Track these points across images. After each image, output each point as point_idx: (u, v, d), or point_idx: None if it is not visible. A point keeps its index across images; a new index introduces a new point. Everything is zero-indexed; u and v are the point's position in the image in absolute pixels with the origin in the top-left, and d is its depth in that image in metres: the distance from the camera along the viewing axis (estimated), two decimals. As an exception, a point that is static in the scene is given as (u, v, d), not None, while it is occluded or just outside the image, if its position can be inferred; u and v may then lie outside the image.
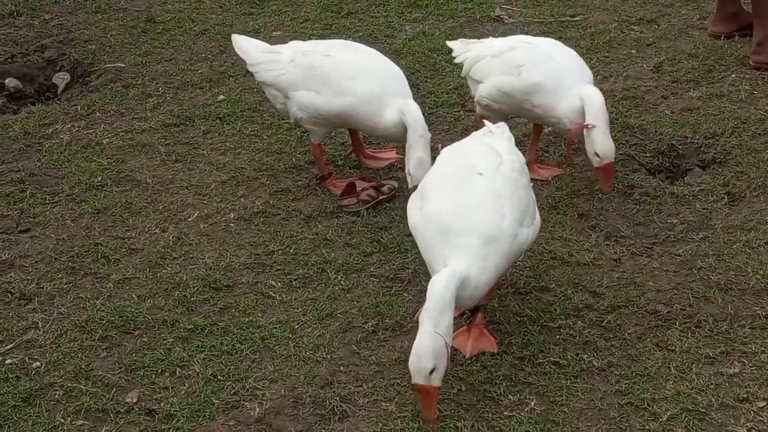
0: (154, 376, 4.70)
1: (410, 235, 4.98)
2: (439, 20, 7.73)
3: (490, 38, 6.11)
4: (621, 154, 6.08)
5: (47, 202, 5.87)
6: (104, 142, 6.39)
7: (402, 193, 5.73)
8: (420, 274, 5.21)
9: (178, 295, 5.16)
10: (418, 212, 4.66)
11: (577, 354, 4.75)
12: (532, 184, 4.96)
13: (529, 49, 5.72)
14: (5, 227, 5.68)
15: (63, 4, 8.08)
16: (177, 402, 4.56)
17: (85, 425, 4.48)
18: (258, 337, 4.89)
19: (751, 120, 6.35)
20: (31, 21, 7.87)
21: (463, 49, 6.03)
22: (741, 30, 7.24)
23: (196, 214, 5.75)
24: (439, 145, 5.38)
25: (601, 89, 6.55)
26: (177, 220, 5.72)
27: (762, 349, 4.75)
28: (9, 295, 5.20)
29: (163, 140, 6.40)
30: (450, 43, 6.20)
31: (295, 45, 5.89)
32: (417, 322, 4.85)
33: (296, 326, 4.96)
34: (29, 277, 5.31)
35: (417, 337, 4.25)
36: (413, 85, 6.58)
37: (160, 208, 5.81)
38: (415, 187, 5.22)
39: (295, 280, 5.26)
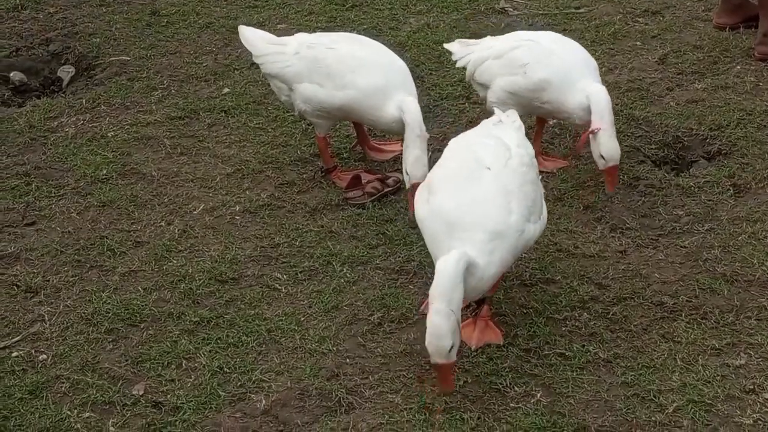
0: (160, 368, 4.71)
1: (415, 227, 4.99)
2: (443, 12, 7.72)
3: (488, 38, 6.02)
4: (626, 146, 6.07)
5: (53, 195, 5.88)
6: (109, 135, 6.39)
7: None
8: (425, 266, 5.21)
9: (183, 287, 5.17)
10: (425, 206, 4.66)
11: (583, 346, 4.75)
12: (540, 177, 4.94)
13: (532, 47, 5.68)
14: (11, 220, 5.68)
15: (67, -3, 8.10)
16: (183, 394, 4.57)
17: (91, 417, 4.49)
18: (264, 330, 4.89)
19: (757, 111, 6.35)
20: (35, 14, 7.87)
21: (463, 51, 5.96)
22: (746, 21, 7.23)
23: (201, 207, 5.75)
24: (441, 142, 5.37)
25: (606, 81, 6.58)
26: (182, 212, 5.72)
27: (768, 340, 4.76)
28: (15, 288, 5.20)
29: (168, 133, 6.40)
30: (448, 46, 6.11)
31: (300, 37, 5.89)
32: (422, 314, 4.87)
33: (302, 318, 4.96)
34: (35, 270, 5.31)
35: (431, 317, 4.22)
36: (418, 78, 6.60)
37: (166, 201, 5.81)
38: (414, 186, 5.23)
39: (300, 272, 5.26)
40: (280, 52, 5.81)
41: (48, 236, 5.56)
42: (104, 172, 6.04)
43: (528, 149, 4.86)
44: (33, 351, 4.82)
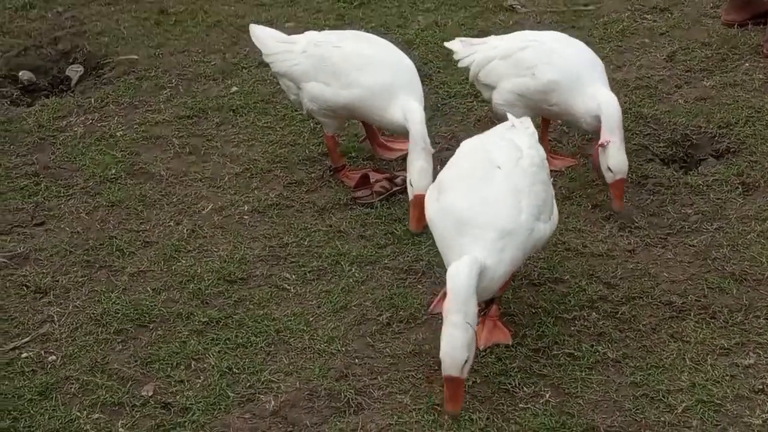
0: (169, 369, 4.72)
1: (414, 236, 5.01)
2: (451, 10, 7.71)
3: (493, 37, 5.99)
4: (635, 144, 6.07)
5: (62, 195, 5.89)
6: (118, 134, 6.40)
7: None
8: (434, 266, 5.21)
9: (192, 287, 5.18)
10: (435, 204, 4.66)
11: (592, 345, 4.75)
12: (552, 179, 4.93)
13: (540, 47, 5.64)
14: (20, 220, 5.70)
15: (76, -5, 8.11)
16: (192, 395, 4.58)
17: (101, 419, 4.50)
18: (273, 330, 4.90)
19: (765, 109, 6.33)
20: (44, 13, 7.88)
21: (465, 51, 5.91)
22: (754, 18, 7.22)
23: (210, 207, 5.76)
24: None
25: (614, 79, 6.59)
26: (191, 212, 5.73)
27: (777, 339, 4.75)
28: (25, 288, 5.22)
29: (176, 132, 6.41)
30: (449, 44, 6.06)
31: (309, 35, 5.88)
32: (431, 314, 4.88)
33: (311, 319, 4.97)
34: (44, 271, 5.32)
35: (446, 328, 4.21)
36: (426, 76, 6.60)
37: (174, 200, 5.82)
38: (416, 197, 5.22)
39: (309, 272, 5.27)
40: (289, 51, 5.81)
41: (57, 236, 5.57)
42: (113, 171, 6.05)
43: (539, 151, 4.86)
44: (42, 352, 4.84)
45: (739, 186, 5.73)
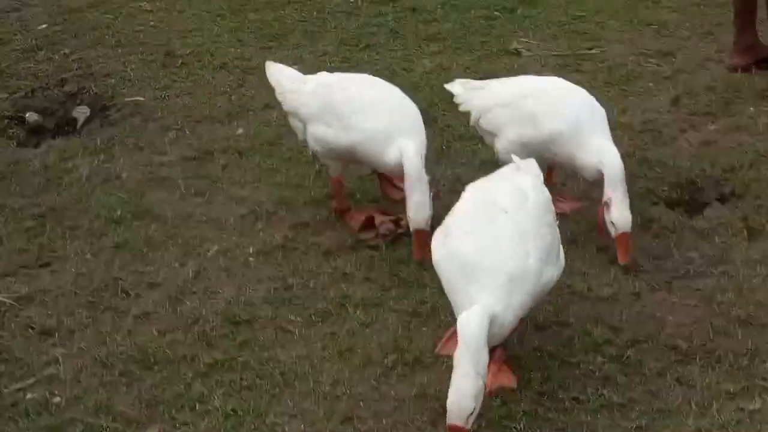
0: (174, 411, 4.71)
1: (429, 269, 4.99)
2: (456, 54, 7.75)
3: (494, 81, 5.98)
4: (639, 187, 6.08)
5: (67, 236, 5.90)
6: (123, 176, 6.42)
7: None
8: (439, 309, 5.21)
9: (197, 329, 5.18)
10: (441, 249, 4.66)
11: (597, 389, 4.74)
12: (558, 222, 4.94)
13: (542, 96, 5.63)
14: (26, 261, 5.70)
15: (83, 38, 8.14)
16: (197, 438, 4.57)
17: (105, 461, 4.49)
18: (277, 372, 4.89)
19: (770, 153, 6.36)
20: (51, 55, 7.93)
21: (466, 95, 5.92)
22: (759, 62, 7.25)
23: (215, 248, 5.77)
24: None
25: (619, 123, 6.62)
26: (196, 254, 5.73)
27: (783, 384, 4.74)
28: (30, 329, 5.21)
29: (182, 174, 6.42)
30: (449, 86, 6.07)
31: (320, 77, 5.93)
32: (438, 356, 4.87)
33: (315, 361, 4.96)
34: (49, 312, 5.32)
35: (456, 377, 4.21)
36: (431, 118, 6.62)
37: (180, 242, 5.83)
38: (420, 232, 5.22)
39: (314, 314, 5.26)
40: (299, 91, 5.86)
41: (62, 278, 5.57)
42: (118, 213, 6.06)
43: (545, 193, 4.88)
44: (47, 393, 4.82)
45: (744, 230, 5.73)
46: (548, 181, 5.87)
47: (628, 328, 5.09)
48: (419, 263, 5.41)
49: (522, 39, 7.89)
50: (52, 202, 6.18)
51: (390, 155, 5.50)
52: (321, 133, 5.73)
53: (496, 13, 8.30)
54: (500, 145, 5.70)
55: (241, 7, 8.55)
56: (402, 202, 6.02)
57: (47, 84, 7.53)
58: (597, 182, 5.54)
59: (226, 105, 7.17)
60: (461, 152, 6.53)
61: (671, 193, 6.12)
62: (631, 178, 6.07)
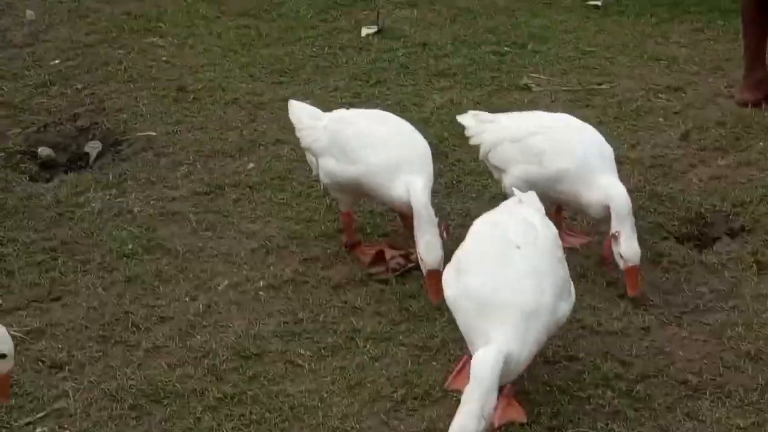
0: (183, 445, 4.72)
1: (439, 303, 5.00)
2: (467, 89, 7.78)
3: (504, 116, 5.98)
4: (650, 222, 6.10)
5: (78, 270, 5.92)
6: (135, 210, 6.45)
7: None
8: (449, 343, 5.21)
9: (207, 363, 5.18)
10: (455, 286, 4.67)
11: (607, 424, 4.73)
12: (566, 256, 4.95)
13: (550, 134, 5.64)
14: (37, 295, 5.72)
15: (95, 74, 8.19)
16: (206, 471, 4.57)
17: (114, 495, 4.50)
18: (287, 407, 4.89)
19: (780, 188, 6.37)
20: (64, 90, 7.97)
21: (477, 128, 5.92)
22: (768, 98, 7.28)
23: (225, 282, 5.79)
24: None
25: (628, 157, 6.64)
26: (207, 288, 5.75)
27: (793, 419, 4.73)
28: (40, 363, 5.22)
29: (193, 208, 6.45)
30: (461, 118, 6.09)
31: (336, 113, 5.97)
32: (447, 390, 4.87)
33: (325, 395, 4.96)
34: (60, 346, 5.34)
35: (460, 414, 4.19)
36: (441, 153, 6.64)
37: (190, 276, 5.84)
38: (433, 273, 5.21)
39: (323, 348, 5.27)
40: (314, 127, 5.90)
41: (73, 311, 5.59)
42: (130, 247, 6.08)
43: (552, 228, 4.89)
44: (57, 427, 4.83)
45: (754, 265, 5.73)
46: (558, 215, 5.91)
47: (637, 363, 5.09)
48: (436, 304, 5.37)
49: (532, 74, 7.92)
50: (64, 236, 6.21)
51: (397, 190, 5.51)
52: (330, 166, 5.76)
53: (506, 48, 8.35)
54: (507, 180, 5.72)
55: (253, 43, 8.61)
56: (412, 237, 6.06)
57: (60, 119, 7.57)
58: (604, 219, 5.54)
59: (237, 140, 7.20)
60: (471, 187, 6.55)
61: (681, 228, 6.13)
62: (641, 213, 6.10)
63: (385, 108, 7.00)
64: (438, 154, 5.86)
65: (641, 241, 5.79)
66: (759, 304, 5.44)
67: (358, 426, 4.78)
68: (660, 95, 7.57)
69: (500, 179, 5.82)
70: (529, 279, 4.55)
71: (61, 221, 6.38)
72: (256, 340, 5.33)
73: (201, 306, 5.59)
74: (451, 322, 4.97)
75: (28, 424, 4.86)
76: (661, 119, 7.25)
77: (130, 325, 5.47)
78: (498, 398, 4.74)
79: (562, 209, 5.96)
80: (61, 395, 5.02)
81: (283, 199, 6.52)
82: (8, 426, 4.83)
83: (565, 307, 4.70)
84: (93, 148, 7.29)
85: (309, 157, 6.02)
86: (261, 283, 5.77)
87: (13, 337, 5.27)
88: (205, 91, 7.87)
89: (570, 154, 5.55)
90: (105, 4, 9.39)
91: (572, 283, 4.87)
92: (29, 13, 9.27)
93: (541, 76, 7.90)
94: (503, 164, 5.76)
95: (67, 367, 5.19)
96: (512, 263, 4.60)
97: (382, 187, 5.57)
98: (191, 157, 7.01)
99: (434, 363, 5.14)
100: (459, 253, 4.84)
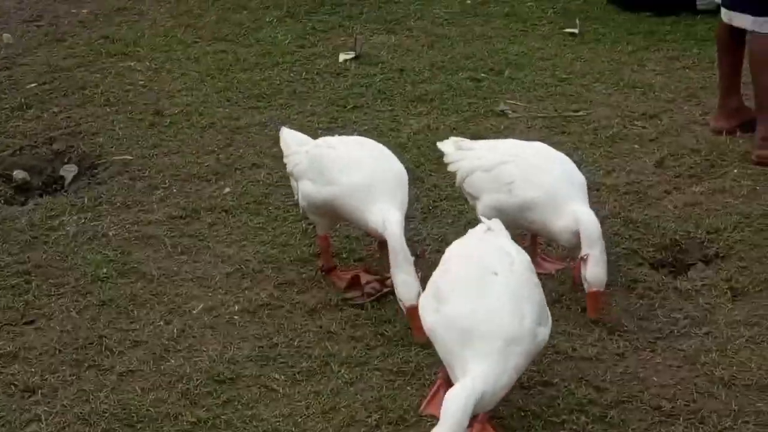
0: (156, 469, 4.69)
1: (423, 347, 5.00)
2: (443, 114, 7.80)
3: (482, 143, 5.99)
4: (624, 248, 6.11)
5: (52, 293, 5.90)
6: (110, 234, 6.43)
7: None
8: (424, 367, 5.21)
9: (181, 387, 5.16)
10: (435, 315, 4.66)
11: (581, 449, 4.73)
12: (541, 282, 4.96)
13: (520, 163, 5.63)
14: (10, 319, 5.69)
15: (72, 97, 8.18)
16: (179, 496, 4.55)
17: None
18: (261, 431, 4.87)
19: (754, 215, 6.39)
20: (40, 114, 7.96)
21: (455, 156, 5.94)
22: (743, 125, 7.31)
23: (200, 306, 5.77)
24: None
25: (604, 184, 6.66)
26: (181, 312, 5.73)
27: (766, 445, 4.74)
28: (12, 387, 5.19)
29: (168, 232, 6.44)
30: (441, 145, 6.10)
31: (321, 139, 6.00)
32: (422, 415, 4.86)
33: (299, 420, 4.95)
34: (33, 369, 5.31)
35: None
36: (417, 179, 6.65)
37: (165, 300, 5.83)
38: (413, 309, 5.19)
39: (298, 373, 5.26)
40: (298, 152, 5.92)
41: (47, 335, 5.56)
42: (104, 271, 6.06)
43: (525, 254, 4.90)
44: (29, 451, 4.81)
45: (728, 291, 5.75)
46: (533, 241, 5.93)
47: (612, 388, 5.09)
48: (421, 345, 5.33)
49: (509, 101, 7.95)
50: (38, 260, 6.19)
51: (372, 217, 5.50)
52: (308, 189, 5.78)
53: (483, 74, 8.37)
54: (480, 208, 5.73)
55: (230, 68, 8.62)
56: (388, 263, 6.05)
57: (35, 142, 7.55)
58: (576, 247, 5.53)
59: (213, 164, 7.20)
60: (448, 212, 6.56)
61: (656, 254, 6.15)
62: (615, 239, 6.13)
63: (362, 133, 7.03)
64: (414, 180, 5.87)
65: (616, 267, 5.83)
66: (733, 331, 5.46)
67: (332, 451, 4.77)
68: (635, 122, 7.60)
69: (475, 206, 5.83)
70: (510, 306, 4.55)
71: (35, 244, 6.36)
72: (230, 365, 5.31)
73: (175, 330, 5.57)
74: (426, 347, 4.98)
75: (-1, 448, 4.84)
76: (636, 146, 7.28)
77: (103, 348, 5.45)
78: (472, 423, 4.76)
79: (537, 235, 5.97)
80: (34, 419, 4.99)
81: (259, 223, 6.52)
82: (-21, 450, 4.81)
83: (544, 333, 4.71)
84: (68, 171, 7.28)
85: (292, 182, 6.03)
86: (236, 307, 5.75)
87: (-15, 360, 5.29)
88: (181, 115, 7.87)
89: (538, 184, 5.55)
90: (82, 28, 9.39)
91: (548, 308, 4.87)
92: (6, 37, 9.28)
93: (518, 103, 7.93)
94: (476, 192, 5.77)
95: (39, 391, 5.17)
96: (492, 290, 4.60)
97: (357, 210, 5.57)
98: (167, 181, 7.00)
99: (409, 388, 5.13)
100: (436, 281, 4.84)
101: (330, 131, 7.04)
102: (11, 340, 5.52)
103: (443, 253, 5.05)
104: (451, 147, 6.04)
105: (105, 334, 5.55)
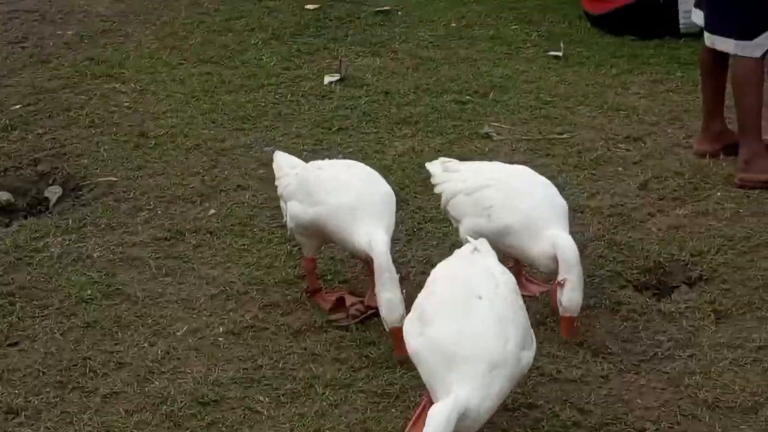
0: (139, 492, 4.68)
1: (404, 364, 5.00)
2: (428, 137, 7.82)
3: (468, 166, 5.99)
4: (608, 270, 6.13)
5: (36, 315, 5.88)
6: (95, 255, 6.42)
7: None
8: (408, 390, 5.21)
9: (165, 409, 5.15)
10: (419, 338, 4.66)
11: (565, 472, 4.74)
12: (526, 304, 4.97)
13: (501, 187, 5.63)
14: (-6, 340, 5.69)
15: (57, 119, 8.17)
16: None
17: None
18: (245, 453, 4.88)
19: (737, 238, 6.41)
20: (24, 135, 7.95)
21: (441, 177, 5.94)
22: (726, 149, 7.34)
23: (185, 328, 5.76)
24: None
25: (588, 206, 6.69)
26: (166, 334, 5.73)
27: (750, 467, 4.75)
28: (-4, 409, 5.19)
29: (153, 254, 6.43)
30: (429, 166, 6.10)
31: (312, 162, 6.02)
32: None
33: (284, 442, 4.95)
34: (16, 391, 5.30)
35: None
36: (402, 200, 6.66)
37: (149, 322, 5.82)
38: (396, 330, 5.21)
39: (283, 395, 5.25)
40: (288, 174, 5.94)
41: (31, 357, 5.55)
42: (89, 292, 6.05)
43: (511, 277, 4.91)
44: (12, 473, 4.79)
45: (712, 314, 5.77)
46: (518, 263, 5.93)
47: (596, 411, 5.10)
48: (400, 361, 5.33)
49: (493, 123, 7.97)
50: (23, 281, 6.17)
51: (359, 239, 5.51)
52: (295, 209, 5.79)
53: (467, 97, 8.39)
54: (461, 232, 5.74)
55: (215, 89, 8.62)
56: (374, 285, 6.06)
57: (20, 163, 7.55)
58: (554, 273, 5.54)
59: (198, 185, 7.20)
60: (432, 234, 6.57)
61: (640, 277, 6.16)
62: (600, 261, 6.16)
63: (347, 155, 7.04)
64: (399, 202, 5.87)
65: (600, 289, 5.85)
66: (716, 353, 5.47)
67: (316, 473, 4.76)
68: (619, 145, 7.62)
69: (459, 229, 5.84)
70: (495, 329, 4.55)
71: (19, 266, 6.34)
72: (214, 387, 5.30)
73: (159, 352, 5.57)
74: (410, 369, 4.98)
75: (-18, 470, 4.82)
76: (620, 169, 7.31)
77: (87, 370, 5.44)
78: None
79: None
80: (17, 441, 4.98)
81: (244, 245, 6.52)
82: (-38, 472, 4.80)
83: (528, 356, 4.71)
84: (53, 193, 7.27)
85: (282, 204, 6.04)
86: (220, 329, 5.75)
87: (-31, 382, 5.27)
88: (166, 137, 7.87)
89: (517, 209, 5.55)
90: (67, 50, 9.39)
91: (532, 330, 4.88)
92: (-9, 58, 9.27)
93: (502, 125, 7.95)
94: (458, 216, 5.78)
95: (23, 413, 5.15)
96: (475, 312, 4.61)
97: (344, 231, 5.58)
98: (152, 203, 7.00)
99: (393, 410, 5.13)
100: (421, 303, 4.84)
101: (315, 153, 7.06)
102: (-5, 361, 5.51)
103: (428, 274, 5.07)
104: (438, 168, 6.05)
105: (89, 355, 5.54)
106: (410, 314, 4.89)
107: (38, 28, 9.87)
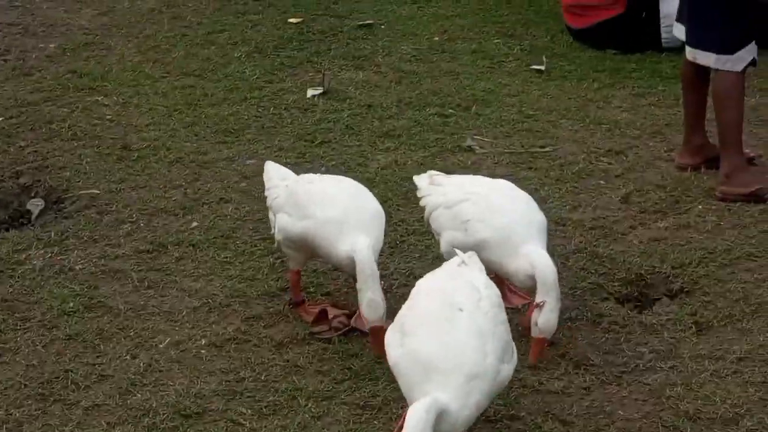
0: (121, 504, 4.67)
1: (381, 362, 5.00)
2: (411, 150, 7.83)
3: (453, 180, 6.00)
4: (590, 282, 6.15)
5: (18, 327, 5.87)
6: (77, 268, 6.41)
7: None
8: (390, 402, 5.22)
9: (147, 422, 5.15)
10: (399, 350, 4.68)
11: (547, 483, 4.75)
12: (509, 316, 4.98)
13: (478, 202, 5.63)
14: (-25, 353, 5.67)
15: (39, 131, 8.15)
16: None
17: None
18: (227, 465, 4.87)
19: (718, 250, 6.44)
20: (6, 148, 7.93)
21: (426, 190, 5.95)
22: (707, 162, 7.37)
23: (167, 341, 5.76)
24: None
25: (570, 219, 6.71)
26: (148, 346, 5.72)
27: (731, 478, 4.77)
28: (-23, 421, 5.17)
29: (135, 267, 6.43)
30: (417, 178, 6.11)
31: (302, 175, 6.04)
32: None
33: (266, 454, 4.94)
34: (-2, 404, 5.29)
35: None
36: (385, 214, 6.65)
37: (132, 334, 5.81)
38: (376, 328, 5.23)
39: (265, 407, 5.25)
40: (278, 186, 5.95)
41: (12, 369, 5.54)
42: (71, 305, 6.04)
43: (495, 290, 4.93)
44: (-7, 486, 4.78)
45: (693, 326, 5.80)
46: (498, 275, 5.94)
47: (578, 422, 5.11)
48: (377, 357, 5.37)
49: (476, 136, 7.99)
50: (4, 294, 6.16)
51: (340, 247, 5.53)
52: (283, 222, 5.80)
53: (450, 110, 8.41)
54: (441, 245, 5.75)
55: (198, 102, 8.62)
56: (355, 297, 6.07)
57: (2, 176, 7.53)
58: (529, 290, 5.54)
59: (180, 198, 7.19)
60: (415, 247, 6.58)
61: (621, 289, 6.19)
62: (581, 274, 6.18)
63: (330, 168, 7.04)
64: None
65: (581, 301, 5.87)
66: (697, 365, 5.49)
67: (298, 485, 4.76)
68: (601, 158, 7.65)
69: (439, 243, 5.85)
70: (472, 341, 4.57)
71: (1, 278, 6.33)
72: (197, 399, 5.30)
73: (142, 364, 5.56)
74: (393, 381, 4.98)
75: (-37, 483, 4.80)
76: (602, 182, 7.33)
77: (69, 383, 5.43)
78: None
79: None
80: (-2, 454, 4.96)
81: (226, 257, 6.51)
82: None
83: (508, 369, 4.73)
84: (35, 205, 7.26)
85: (270, 215, 6.04)
86: (203, 341, 5.75)
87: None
88: (149, 150, 7.86)
89: (491, 224, 5.54)
90: (50, 63, 9.37)
91: (514, 344, 4.89)
92: (-27, 71, 9.25)
93: (485, 139, 7.97)
94: (438, 229, 5.80)
95: (5, 426, 5.14)
96: (455, 325, 4.62)
97: (330, 245, 5.59)
98: (134, 216, 6.99)
99: (375, 422, 5.14)
100: (403, 315, 4.86)
101: (298, 166, 7.05)
102: (-24, 374, 5.50)
103: (411, 287, 5.08)
104: (424, 182, 6.06)
105: (71, 368, 5.53)
106: (392, 325, 4.90)
107: (20, 41, 9.85)
